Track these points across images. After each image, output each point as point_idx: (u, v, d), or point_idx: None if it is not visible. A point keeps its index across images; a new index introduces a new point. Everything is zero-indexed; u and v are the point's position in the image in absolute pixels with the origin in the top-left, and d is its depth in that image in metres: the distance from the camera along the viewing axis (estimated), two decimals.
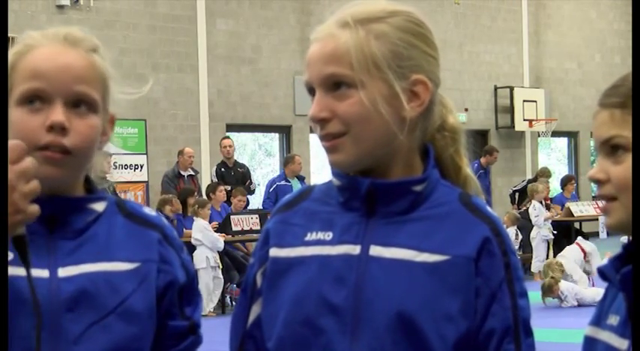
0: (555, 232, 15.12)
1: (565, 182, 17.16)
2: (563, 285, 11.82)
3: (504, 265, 1.68)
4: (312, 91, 1.71)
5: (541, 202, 15.03)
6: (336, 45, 1.67)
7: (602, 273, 1.64)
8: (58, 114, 1.68)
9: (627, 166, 1.56)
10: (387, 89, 1.67)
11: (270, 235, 1.78)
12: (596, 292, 11.51)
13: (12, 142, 1.46)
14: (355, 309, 1.66)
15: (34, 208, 1.47)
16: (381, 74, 1.66)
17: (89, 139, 1.73)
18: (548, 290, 11.77)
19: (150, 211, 1.87)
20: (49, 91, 1.69)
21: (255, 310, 1.78)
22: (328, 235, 1.71)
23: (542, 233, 14.77)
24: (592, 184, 18.39)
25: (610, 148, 1.59)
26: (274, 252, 1.75)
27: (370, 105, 1.65)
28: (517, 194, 16.97)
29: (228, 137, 14.71)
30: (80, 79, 1.72)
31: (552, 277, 12.08)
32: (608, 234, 15.00)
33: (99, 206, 1.79)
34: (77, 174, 1.75)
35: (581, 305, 11.67)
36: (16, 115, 1.68)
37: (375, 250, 1.68)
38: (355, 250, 1.69)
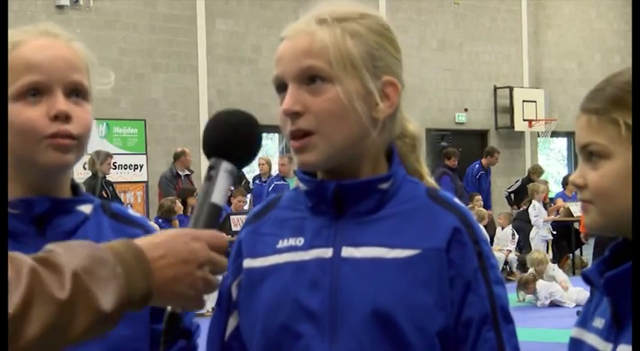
0: (555, 232, 15.12)
1: (566, 181, 17.14)
2: (540, 284, 11.91)
3: (477, 254, 1.68)
4: (280, 87, 1.71)
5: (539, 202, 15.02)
6: (313, 40, 1.67)
7: (587, 277, 1.66)
8: (61, 103, 1.70)
9: (602, 173, 1.59)
10: (361, 87, 1.67)
11: (242, 247, 1.79)
12: (576, 293, 11.63)
13: (219, 234, 1.49)
14: (332, 312, 1.66)
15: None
16: (356, 72, 1.67)
17: (89, 124, 1.75)
18: (524, 285, 11.86)
19: (134, 212, 1.89)
20: (48, 82, 1.71)
21: (232, 323, 1.78)
22: (299, 241, 1.71)
23: (541, 233, 14.77)
24: None
25: (587, 153, 1.62)
26: (248, 263, 1.76)
27: (346, 101, 1.66)
28: (513, 195, 16.96)
29: None
30: (74, 68, 1.74)
31: (532, 274, 12.22)
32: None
33: (86, 208, 1.81)
34: (77, 161, 1.77)
35: (555, 305, 11.80)
36: (14, 109, 1.70)
37: (347, 251, 1.68)
38: (327, 253, 1.68)
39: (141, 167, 16.19)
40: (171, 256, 1.42)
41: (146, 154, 16.22)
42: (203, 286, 1.45)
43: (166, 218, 11.91)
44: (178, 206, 12.23)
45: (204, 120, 16.96)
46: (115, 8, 15.95)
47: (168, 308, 1.50)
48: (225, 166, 1.53)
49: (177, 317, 1.51)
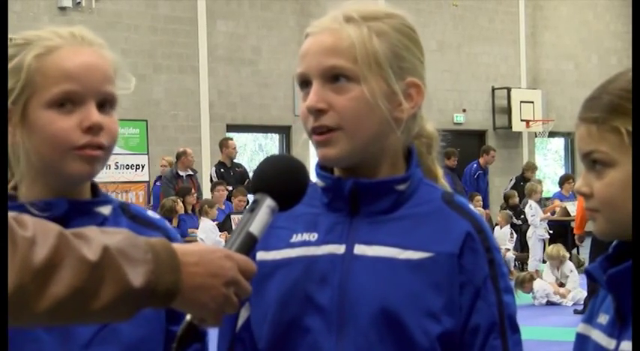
0: (551, 231, 15.20)
1: (563, 181, 17.20)
2: (537, 283, 12.04)
3: (488, 262, 1.68)
4: (304, 83, 1.70)
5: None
6: (339, 38, 1.67)
7: (590, 274, 1.67)
8: (95, 115, 1.70)
9: (608, 181, 1.59)
10: (386, 87, 1.68)
11: None
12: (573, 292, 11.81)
13: (251, 261, 1.53)
14: (340, 308, 1.66)
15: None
16: (381, 72, 1.67)
17: (117, 134, 1.76)
18: (521, 285, 11.97)
19: (153, 214, 1.89)
20: (83, 93, 1.70)
21: (244, 314, 1.77)
22: (313, 236, 1.71)
23: (538, 233, 14.85)
24: None
25: (591, 161, 1.61)
26: (261, 255, 1.74)
27: (371, 100, 1.66)
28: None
29: (232, 139, 14.79)
30: (107, 78, 1.74)
31: (529, 273, 12.31)
32: None
33: (105, 209, 1.80)
34: (102, 169, 1.77)
35: (553, 303, 11.92)
36: (46, 116, 1.69)
37: (359, 249, 1.68)
38: (340, 249, 1.68)
39: (142, 167, 16.27)
40: (202, 265, 1.45)
41: (148, 154, 16.30)
42: (224, 302, 1.48)
43: (168, 218, 12.01)
44: (180, 206, 12.29)
45: (205, 120, 17.06)
46: (116, 10, 16.05)
47: (188, 317, 1.51)
48: (269, 202, 1.58)
49: (195, 328, 1.52)
